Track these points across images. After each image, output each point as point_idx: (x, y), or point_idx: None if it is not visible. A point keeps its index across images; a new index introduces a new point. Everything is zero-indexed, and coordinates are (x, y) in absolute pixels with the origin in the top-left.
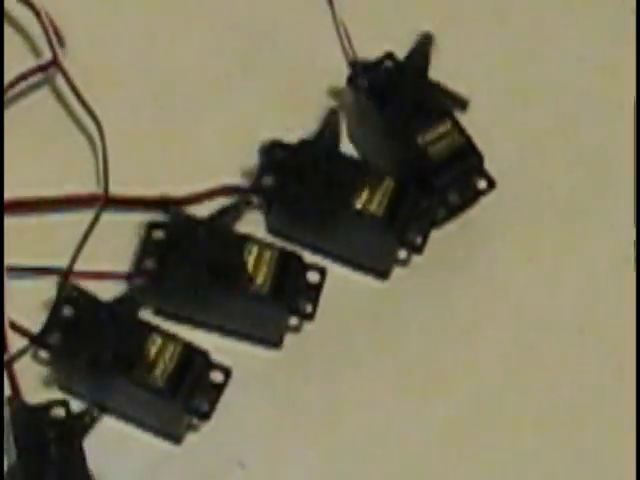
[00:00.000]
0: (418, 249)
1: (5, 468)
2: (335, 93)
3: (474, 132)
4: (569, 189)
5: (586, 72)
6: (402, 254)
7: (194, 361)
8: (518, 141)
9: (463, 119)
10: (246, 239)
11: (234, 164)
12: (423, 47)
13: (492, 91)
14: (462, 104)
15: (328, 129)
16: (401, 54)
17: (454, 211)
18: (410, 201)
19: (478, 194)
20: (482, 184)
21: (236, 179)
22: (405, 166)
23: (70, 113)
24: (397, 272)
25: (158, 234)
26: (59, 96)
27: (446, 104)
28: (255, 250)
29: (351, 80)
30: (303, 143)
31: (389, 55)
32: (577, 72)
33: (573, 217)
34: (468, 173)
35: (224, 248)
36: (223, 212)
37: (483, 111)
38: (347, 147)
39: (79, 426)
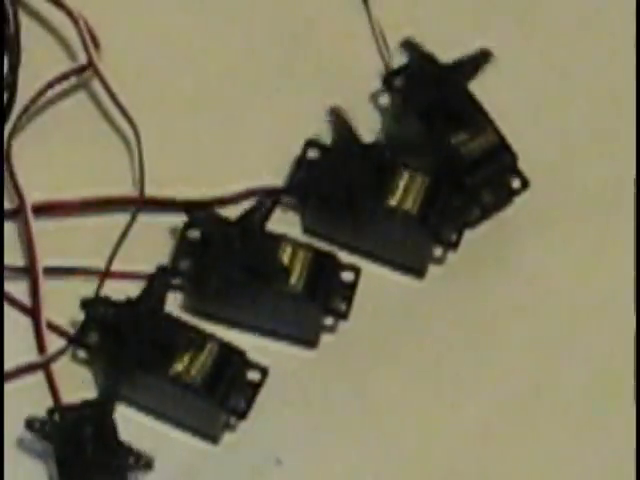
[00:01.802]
0: (453, 245)
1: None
2: (371, 93)
3: (508, 131)
4: (602, 188)
5: (619, 70)
6: (437, 252)
7: (231, 360)
8: (552, 140)
9: (497, 118)
10: (280, 239)
11: (270, 165)
12: (475, 62)
13: (526, 91)
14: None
15: (341, 127)
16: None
17: (488, 211)
18: (444, 198)
19: (512, 194)
20: (516, 183)
21: (272, 180)
22: (439, 165)
23: (106, 115)
24: (432, 271)
25: (193, 234)
26: (95, 99)
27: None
28: (289, 250)
29: (387, 81)
30: (337, 142)
31: (429, 56)
32: (610, 73)
33: (607, 215)
34: (502, 173)
35: (258, 247)
36: (251, 212)
37: (517, 111)
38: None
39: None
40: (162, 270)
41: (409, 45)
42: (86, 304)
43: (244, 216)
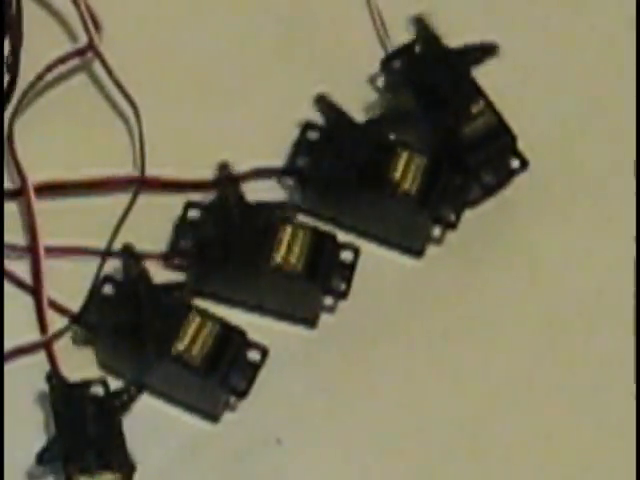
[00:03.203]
0: (452, 225)
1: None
2: (369, 75)
3: (507, 112)
4: (603, 168)
5: (618, 52)
6: (436, 232)
7: (231, 340)
8: (551, 121)
9: (496, 99)
10: (279, 218)
11: (269, 146)
12: (481, 52)
13: (525, 71)
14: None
15: (331, 112)
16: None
17: (488, 191)
18: (443, 179)
19: (511, 173)
20: (515, 164)
21: (271, 161)
22: (439, 146)
23: (107, 96)
24: (431, 251)
25: (194, 214)
26: (96, 80)
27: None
28: (289, 230)
29: (385, 62)
30: (335, 123)
31: (425, 35)
32: (609, 52)
33: (606, 196)
34: (501, 153)
35: (256, 228)
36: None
37: (516, 91)
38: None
39: (117, 403)
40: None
41: (420, 22)
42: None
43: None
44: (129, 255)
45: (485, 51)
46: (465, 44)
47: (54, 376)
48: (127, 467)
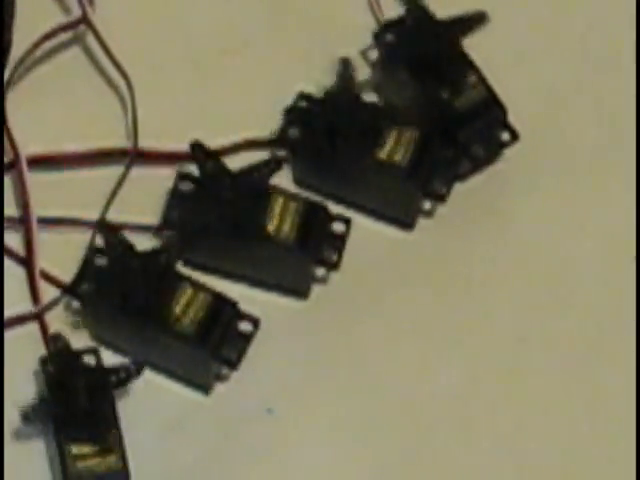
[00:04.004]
0: (442, 198)
1: None
2: (361, 49)
3: (497, 85)
4: (593, 141)
5: (611, 26)
6: (426, 205)
7: (223, 311)
8: (541, 93)
9: (487, 72)
10: (272, 190)
11: (261, 118)
12: (471, 21)
13: (516, 44)
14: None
15: (344, 78)
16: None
17: (478, 164)
18: (434, 151)
19: (502, 146)
20: (506, 136)
21: (262, 132)
22: (430, 119)
23: (99, 69)
24: (422, 223)
25: (186, 186)
26: (89, 53)
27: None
28: (281, 201)
29: (378, 35)
30: (327, 94)
31: (415, 9)
32: (602, 25)
33: (597, 169)
34: (492, 126)
35: (249, 198)
36: (253, 169)
37: (507, 64)
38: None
39: (114, 379)
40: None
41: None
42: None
43: (243, 171)
44: (107, 230)
45: (475, 20)
46: (455, 15)
47: (51, 343)
48: (118, 438)
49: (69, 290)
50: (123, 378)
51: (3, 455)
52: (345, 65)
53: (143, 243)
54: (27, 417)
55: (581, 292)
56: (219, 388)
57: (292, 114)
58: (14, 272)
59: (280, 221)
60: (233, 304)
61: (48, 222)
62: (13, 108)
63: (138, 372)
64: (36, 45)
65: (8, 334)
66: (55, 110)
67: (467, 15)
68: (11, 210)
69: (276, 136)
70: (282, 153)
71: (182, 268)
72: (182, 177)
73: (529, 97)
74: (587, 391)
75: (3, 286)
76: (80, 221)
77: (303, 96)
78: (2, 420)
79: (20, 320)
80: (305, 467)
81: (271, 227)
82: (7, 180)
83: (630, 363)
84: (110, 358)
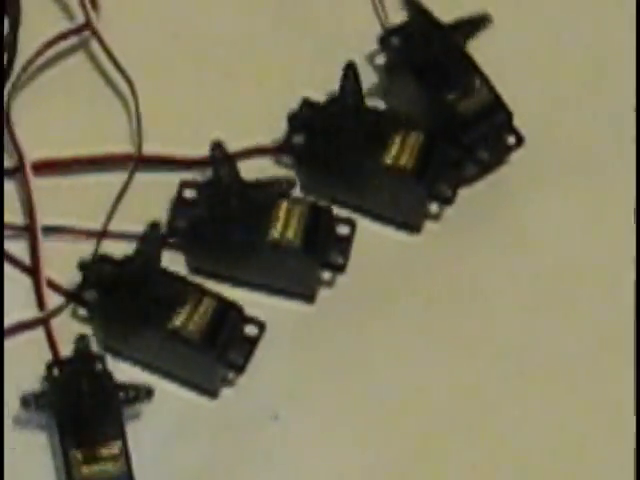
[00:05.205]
0: (448, 200)
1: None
2: (367, 53)
3: (503, 89)
4: (598, 145)
5: (616, 30)
6: (433, 208)
7: (229, 316)
8: (547, 97)
9: (492, 76)
10: (275, 195)
11: (266, 124)
12: (474, 24)
13: (521, 48)
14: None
15: (349, 83)
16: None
17: (484, 168)
18: (439, 154)
19: (508, 150)
20: (511, 140)
21: (268, 139)
22: (435, 123)
23: (104, 75)
24: (429, 227)
25: (190, 193)
26: (93, 58)
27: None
28: (285, 205)
29: (384, 39)
30: (331, 100)
31: (421, 15)
32: (606, 29)
33: (602, 172)
34: (497, 129)
35: (252, 204)
36: (264, 184)
37: (512, 68)
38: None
39: (122, 397)
40: (154, 226)
41: (410, 1)
42: (83, 266)
43: (257, 184)
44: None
45: (479, 23)
46: (459, 18)
47: (54, 352)
48: (122, 443)
49: (74, 297)
50: (131, 398)
51: (3, 456)
52: (350, 69)
53: None
54: (27, 403)
55: (586, 295)
56: (226, 392)
57: (296, 120)
58: (20, 280)
59: (285, 225)
60: (238, 309)
61: (53, 230)
62: (18, 114)
63: (147, 396)
64: (40, 51)
65: (14, 340)
66: (60, 115)
67: (471, 18)
68: (16, 217)
69: (282, 143)
70: (287, 159)
71: (188, 274)
72: (185, 185)
73: (534, 101)
74: (589, 395)
75: (3, 288)
76: (84, 230)
77: (307, 102)
78: (2, 421)
79: (26, 326)
80: (310, 472)
81: (276, 232)
82: (11, 186)
83: (630, 363)
84: (117, 365)
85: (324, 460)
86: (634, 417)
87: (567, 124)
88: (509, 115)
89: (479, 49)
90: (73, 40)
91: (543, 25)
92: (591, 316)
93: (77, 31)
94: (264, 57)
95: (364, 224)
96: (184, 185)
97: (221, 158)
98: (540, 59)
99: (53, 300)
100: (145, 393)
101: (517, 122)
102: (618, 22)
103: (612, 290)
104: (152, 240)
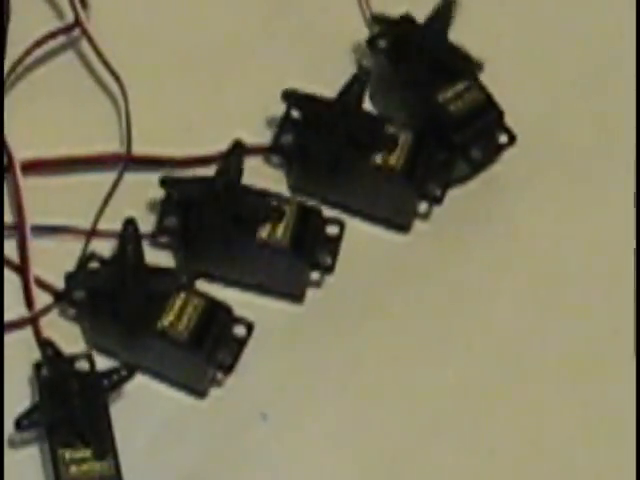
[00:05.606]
0: (437, 200)
1: None
2: (356, 54)
3: (495, 89)
4: (591, 143)
5: (610, 29)
6: (422, 208)
7: (217, 316)
8: (538, 95)
9: (484, 76)
10: (264, 194)
11: (256, 124)
12: (445, 11)
13: (513, 47)
14: (478, 67)
15: (351, 89)
16: (419, 15)
17: (477, 167)
18: (428, 154)
19: (499, 149)
20: (503, 139)
21: (257, 138)
22: (425, 123)
23: (93, 74)
24: (418, 226)
25: (179, 192)
26: (82, 58)
27: (463, 66)
28: (274, 204)
29: (371, 41)
30: (322, 101)
31: (407, 17)
32: (601, 27)
33: (595, 171)
34: (489, 128)
35: (242, 202)
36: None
37: (504, 67)
38: (367, 106)
39: (106, 383)
40: (130, 222)
41: (378, 20)
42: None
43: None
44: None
45: (446, 8)
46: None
47: (42, 349)
48: (110, 443)
49: (62, 297)
50: (116, 381)
51: (3, 456)
52: (359, 77)
53: None
54: (20, 425)
55: (579, 294)
56: (214, 392)
57: (286, 120)
58: (9, 279)
59: (274, 225)
60: (227, 309)
61: (42, 230)
62: (6, 113)
63: (130, 374)
64: (29, 50)
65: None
66: (49, 115)
67: (438, 6)
68: (5, 216)
69: (271, 143)
70: (277, 159)
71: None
72: (172, 184)
73: (526, 99)
74: (586, 394)
75: (3, 291)
76: (73, 229)
77: (297, 103)
78: (2, 422)
79: (14, 326)
80: (299, 472)
81: (265, 231)
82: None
83: (630, 364)
84: (105, 363)
85: (313, 460)
86: (634, 416)
87: (559, 123)
88: (501, 114)
89: (470, 46)
90: (62, 39)
91: (536, 23)
92: (585, 314)
93: (66, 30)
94: (253, 58)
95: (353, 224)
96: (170, 185)
97: (238, 158)
98: (532, 58)
99: (42, 299)
100: (127, 373)
101: (509, 121)
102: (615, 21)
103: (606, 289)
104: (131, 237)
